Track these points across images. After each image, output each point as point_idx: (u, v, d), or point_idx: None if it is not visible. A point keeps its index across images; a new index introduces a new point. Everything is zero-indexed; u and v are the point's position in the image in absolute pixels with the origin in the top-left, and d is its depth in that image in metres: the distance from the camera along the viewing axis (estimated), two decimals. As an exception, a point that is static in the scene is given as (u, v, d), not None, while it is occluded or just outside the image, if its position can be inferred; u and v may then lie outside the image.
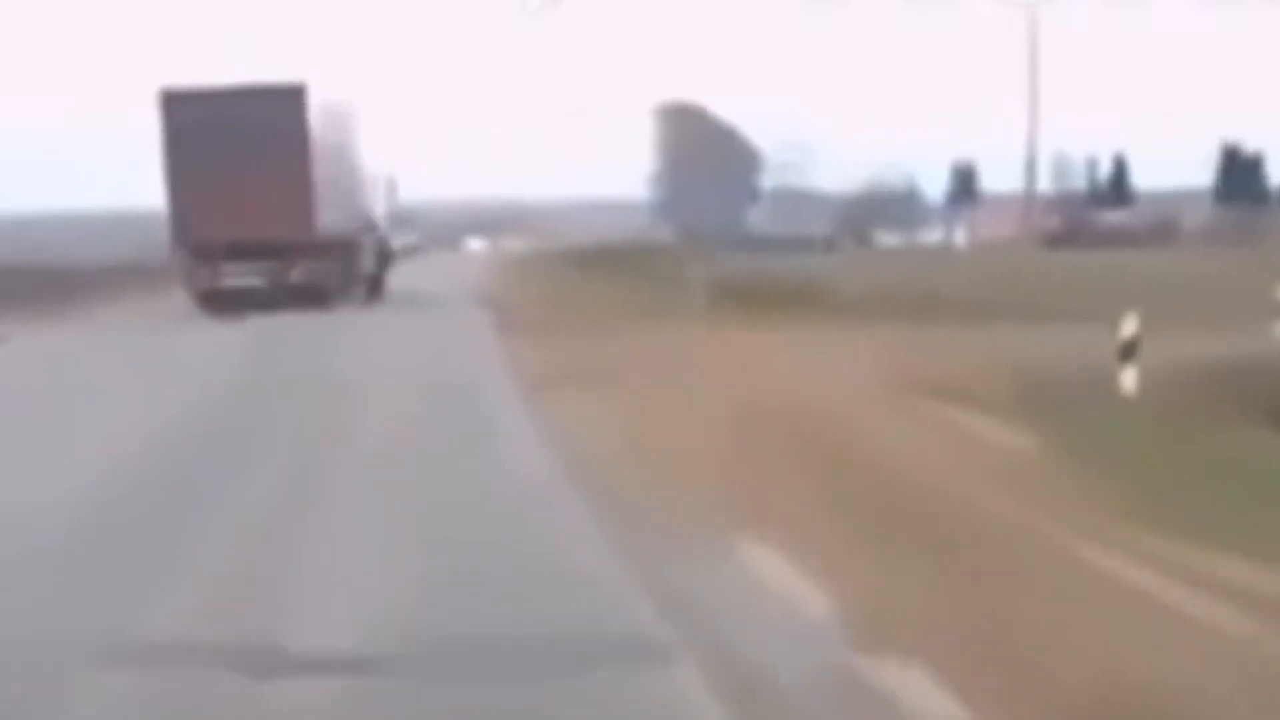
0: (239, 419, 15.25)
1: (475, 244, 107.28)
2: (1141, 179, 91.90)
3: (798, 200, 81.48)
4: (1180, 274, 39.56)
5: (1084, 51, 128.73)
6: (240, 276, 32.11)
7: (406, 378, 18.78)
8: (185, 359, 23.54)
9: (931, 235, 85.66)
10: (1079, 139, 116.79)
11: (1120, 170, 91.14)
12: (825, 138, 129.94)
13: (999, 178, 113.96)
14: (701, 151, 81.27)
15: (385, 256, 38.01)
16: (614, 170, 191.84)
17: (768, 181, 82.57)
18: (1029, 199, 68.71)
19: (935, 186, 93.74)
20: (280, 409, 15.98)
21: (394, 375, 19.23)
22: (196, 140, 31.59)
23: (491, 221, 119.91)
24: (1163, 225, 78.40)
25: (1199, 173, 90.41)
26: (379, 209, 39.34)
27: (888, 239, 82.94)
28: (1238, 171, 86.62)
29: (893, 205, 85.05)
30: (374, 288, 35.75)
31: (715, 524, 8.94)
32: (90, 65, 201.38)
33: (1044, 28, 70.35)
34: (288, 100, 32.07)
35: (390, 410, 15.51)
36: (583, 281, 39.68)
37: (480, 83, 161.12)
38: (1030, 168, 67.13)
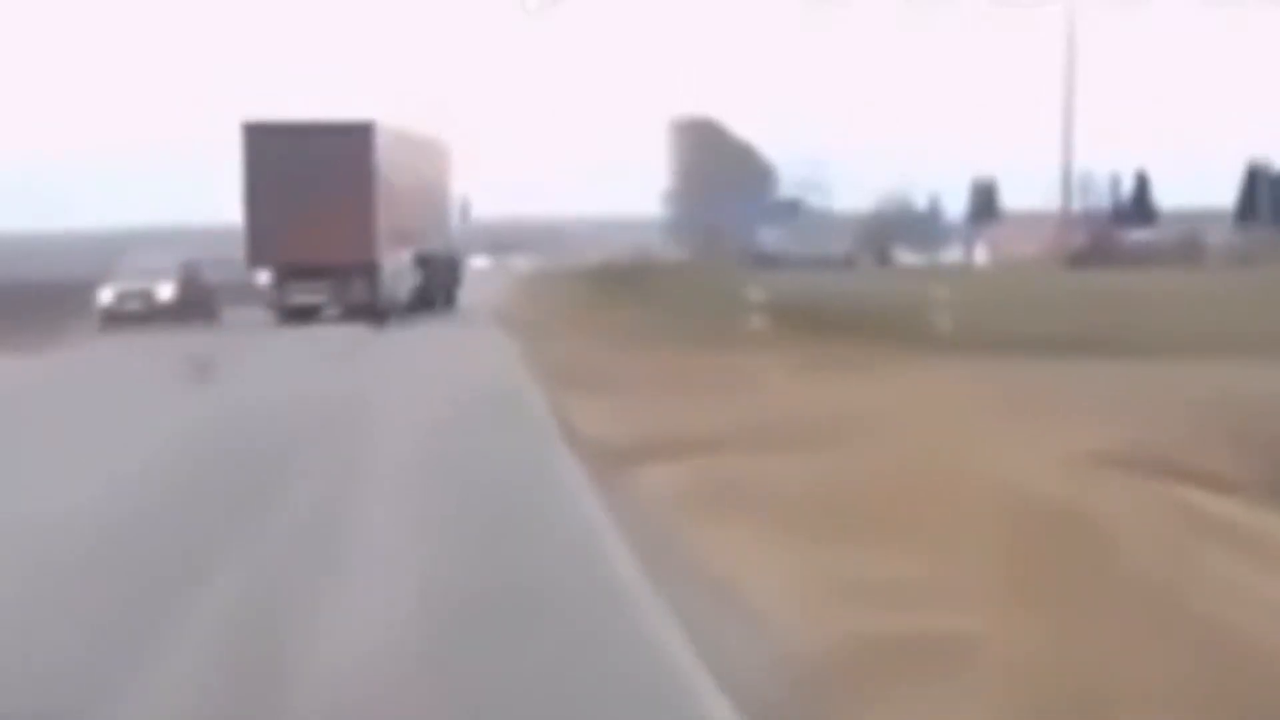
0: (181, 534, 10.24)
1: (480, 262, 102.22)
2: (1163, 197, 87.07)
3: (814, 218, 77.07)
4: (1260, 296, 34.78)
5: (1103, 68, 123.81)
6: (306, 294, 34.58)
7: (419, 447, 13.86)
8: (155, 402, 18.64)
9: (951, 254, 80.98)
10: (1098, 156, 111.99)
11: (1143, 188, 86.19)
12: (840, 154, 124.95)
13: (1018, 195, 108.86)
14: (717, 168, 76.72)
15: (456, 271, 41.07)
16: (619, 187, 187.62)
17: (783, 198, 78.02)
18: (1064, 216, 63.94)
19: (952, 203, 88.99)
20: (246, 501, 11.01)
21: (404, 439, 14.35)
22: (273, 169, 33.98)
23: (496, 239, 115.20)
24: (1188, 245, 73.83)
25: (1221, 191, 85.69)
26: (454, 229, 42.43)
27: (907, 257, 78.38)
28: (1263, 191, 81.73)
29: (913, 223, 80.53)
30: (448, 299, 39.22)
31: None
32: (131, 86, 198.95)
33: (1067, 43, 65.41)
34: (357, 136, 34.26)
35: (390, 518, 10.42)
36: (611, 304, 34.67)
37: (481, 100, 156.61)
38: (1066, 184, 62.34)
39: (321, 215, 33.22)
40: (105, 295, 37.09)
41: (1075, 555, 7.63)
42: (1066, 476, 10.48)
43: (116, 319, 35.90)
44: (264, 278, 35.62)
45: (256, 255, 35.22)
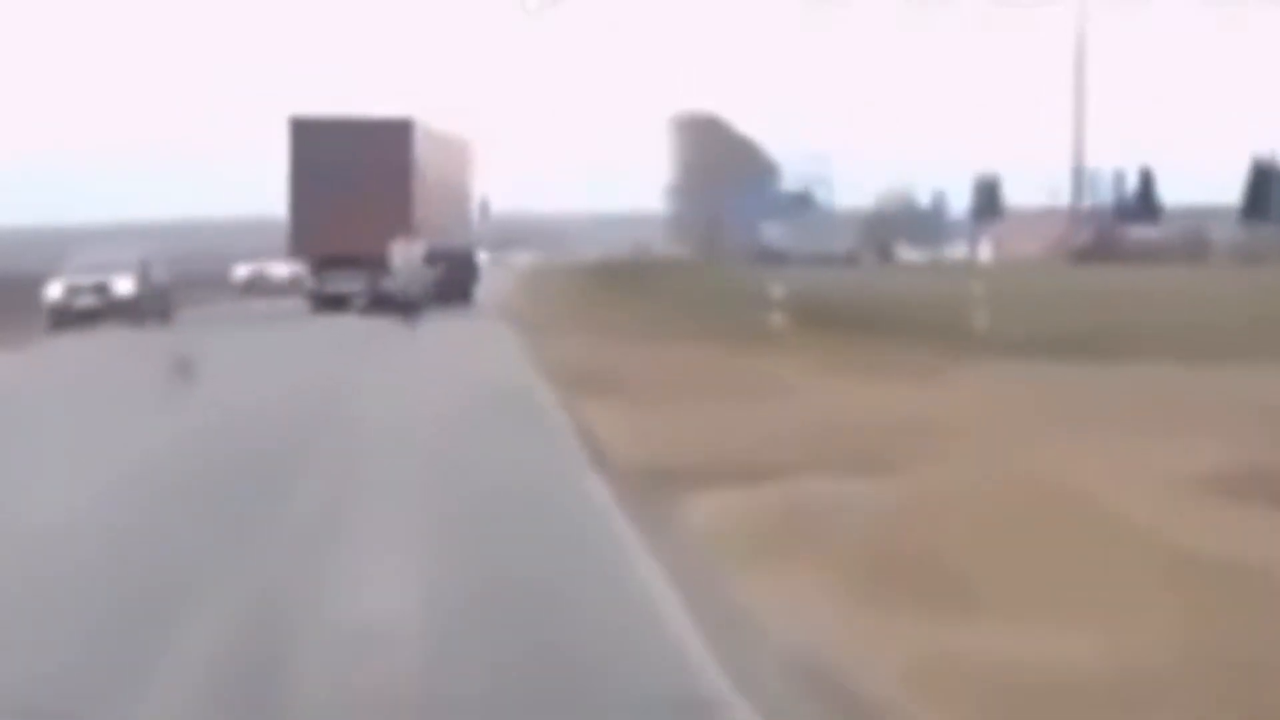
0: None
1: (480, 257, 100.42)
2: (1167, 193, 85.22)
3: (816, 214, 75.48)
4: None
5: (1107, 64, 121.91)
6: (342, 283, 35.82)
7: (425, 465, 12.06)
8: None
9: (955, 251, 79.28)
10: (1102, 152, 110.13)
11: (1147, 184, 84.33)
12: (842, 150, 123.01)
13: (1021, 192, 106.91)
14: (719, 164, 75.00)
15: (475, 268, 41.41)
16: (621, 183, 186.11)
17: (785, 194, 76.32)
18: (1074, 213, 62.26)
19: (955, 200, 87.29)
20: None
21: (411, 453, 12.56)
22: (317, 162, 35.40)
23: (497, 235, 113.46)
24: (1193, 242, 72.17)
25: (1226, 188, 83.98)
26: (475, 228, 44.11)
27: (909, 254, 76.80)
28: (1269, 188, 79.95)
29: (916, 220, 78.93)
30: (464, 295, 38.72)
31: None
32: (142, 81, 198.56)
33: (1063, 40, 63.73)
34: (397, 133, 36.04)
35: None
36: (620, 301, 32.89)
37: (483, 97, 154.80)
38: (1076, 180, 60.62)
39: (360, 208, 34.34)
40: (54, 291, 32.41)
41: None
42: (1199, 509, 8.61)
43: (66, 317, 31.45)
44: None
45: (298, 245, 37.16)
